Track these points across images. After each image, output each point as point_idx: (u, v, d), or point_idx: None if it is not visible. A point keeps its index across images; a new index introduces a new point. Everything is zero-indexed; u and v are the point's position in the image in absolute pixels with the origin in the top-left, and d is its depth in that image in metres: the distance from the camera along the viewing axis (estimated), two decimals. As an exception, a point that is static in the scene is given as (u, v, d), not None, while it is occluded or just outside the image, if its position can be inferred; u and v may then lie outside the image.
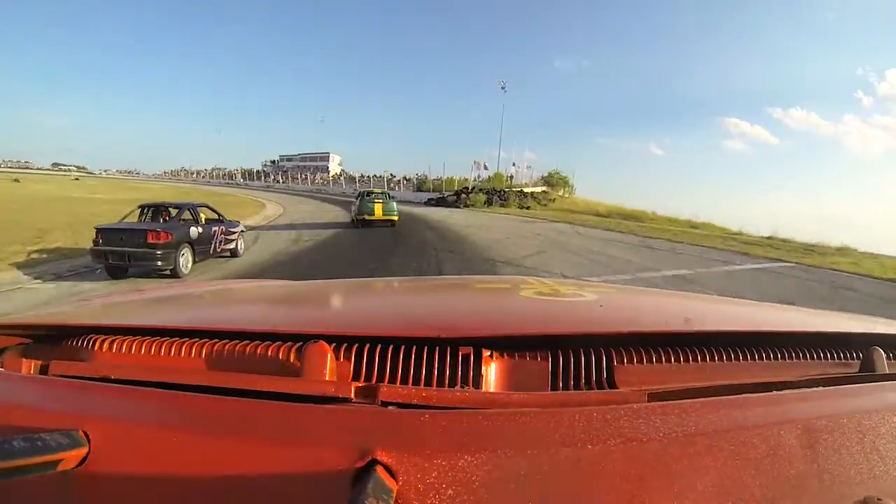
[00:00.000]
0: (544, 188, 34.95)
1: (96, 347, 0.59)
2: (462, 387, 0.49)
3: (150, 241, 6.36)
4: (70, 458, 0.37)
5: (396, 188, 41.91)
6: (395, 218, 14.95)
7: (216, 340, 0.55)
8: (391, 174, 48.01)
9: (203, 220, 7.86)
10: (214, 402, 0.43)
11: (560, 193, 35.20)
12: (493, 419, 0.40)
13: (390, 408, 0.43)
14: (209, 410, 0.42)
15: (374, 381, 0.49)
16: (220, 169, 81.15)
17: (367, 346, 0.51)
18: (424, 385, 0.49)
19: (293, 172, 64.47)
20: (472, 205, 28.34)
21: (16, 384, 0.51)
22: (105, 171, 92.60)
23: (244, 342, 0.54)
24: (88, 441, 0.39)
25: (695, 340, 0.57)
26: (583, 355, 0.52)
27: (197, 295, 1.05)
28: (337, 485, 0.34)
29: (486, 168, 36.57)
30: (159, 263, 6.44)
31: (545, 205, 30.47)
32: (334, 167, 72.07)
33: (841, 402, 0.47)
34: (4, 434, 0.35)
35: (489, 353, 0.51)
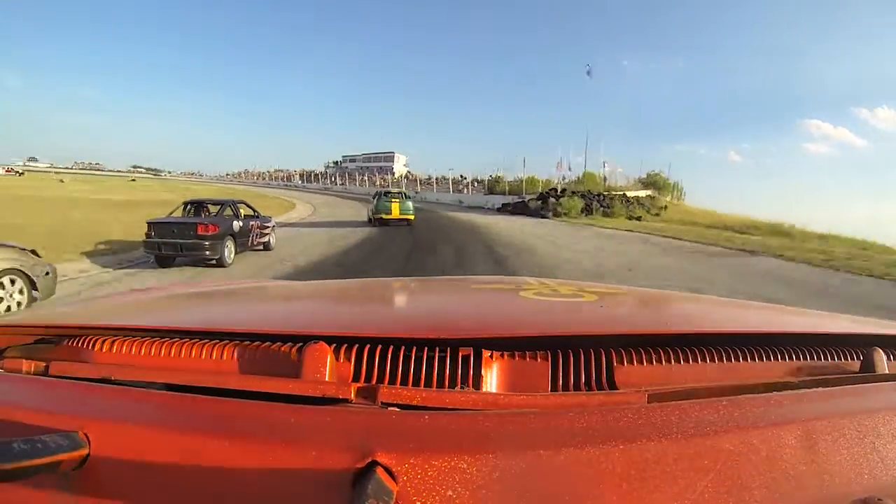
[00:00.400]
0: (649, 192, 27.63)
1: (96, 348, 0.59)
2: (462, 388, 0.48)
3: (199, 233, 7.15)
4: (70, 459, 0.37)
5: (465, 190, 37.91)
6: (412, 217, 15.27)
7: (216, 341, 0.55)
8: (460, 175, 42.91)
9: (242, 215, 8.48)
10: (215, 404, 0.43)
11: (668, 199, 28.25)
12: (494, 420, 0.40)
13: (390, 409, 0.43)
14: (209, 411, 0.42)
15: (374, 382, 0.49)
16: (281, 171, 79.97)
17: (368, 347, 0.51)
18: (424, 386, 0.49)
19: (356, 173, 60.54)
20: (566, 213, 21.48)
21: (16, 385, 0.51)
22: (170, 172, 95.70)
23: (244, 343, 0.54)
24: (89, 442, 0.39)
25: (695, 341, 0.57)
26: (583, 356, 0.52)
27: (197, 296, 1.03)
28: (337, 486, 0.34)
29: (570, 169, 29.75)
30: (207, 253, 7.24)
31: (656, 214, 23.75)
32: (399, 168, 67.46)
33: (841, 403, 0.47)
34: (4, 435, 0.36)
35: (489, 354, 0.51)
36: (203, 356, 0.54)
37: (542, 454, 0.36)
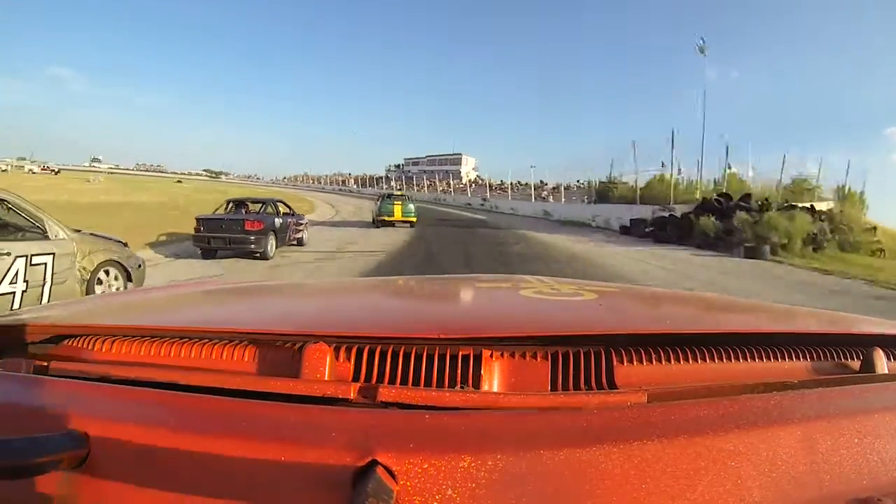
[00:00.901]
0: (830, 205, 15.66)
1: (96, 348, 0.59)
2: (462, 387, 0.48)
3: (246, 228, 7.83)
4: (70, 458, 0.38)
5: (550, 197, 30.22)
6: (414, 219, 15.61)
7: (216, 341, 0.55)
8: (540, 181, 34.08)
9: (280, 213, 9.35)
10: (215, 403, 0.43)
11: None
12: (494, 420, 0.40)
13: (390, 408, 0.43)
14: (209, 411, 0.42)
15: (374, 381, 0.49)
16: (340, 174, 76.85)
17: (368, 346, 0.51)
18: (424, 386, 0.49)
19: (419, 177, 55.20)
20: (783, 244, 11.05)
21: (16, 384, 0.51)
22: (227, 175, 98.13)
23: (244, 343, 0.54)
24: (88, 441, 0.39)
25: (695, 340, 0.57)
26: (583, 356, 0.52)
27: (197, 295, 1.03)
28: (337, 485, 0.34)
29: (679, 171, 18.17)
30: (252, 247, 7.86)
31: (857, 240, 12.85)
32: (467, 172, 61.48)
33: (841, 403, 0.47)
34: (5, 434, 0.36)
35: (489, 354, 0.51)
36: (203, 356, 0.54)
37: (542, 454, 0.36)
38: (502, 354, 0.51)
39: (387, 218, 15.20)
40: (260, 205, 9.22)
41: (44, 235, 3.80)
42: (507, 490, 0.35)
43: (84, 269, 4.04)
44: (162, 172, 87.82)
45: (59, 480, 0.39)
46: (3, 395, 0.48)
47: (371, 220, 16.19)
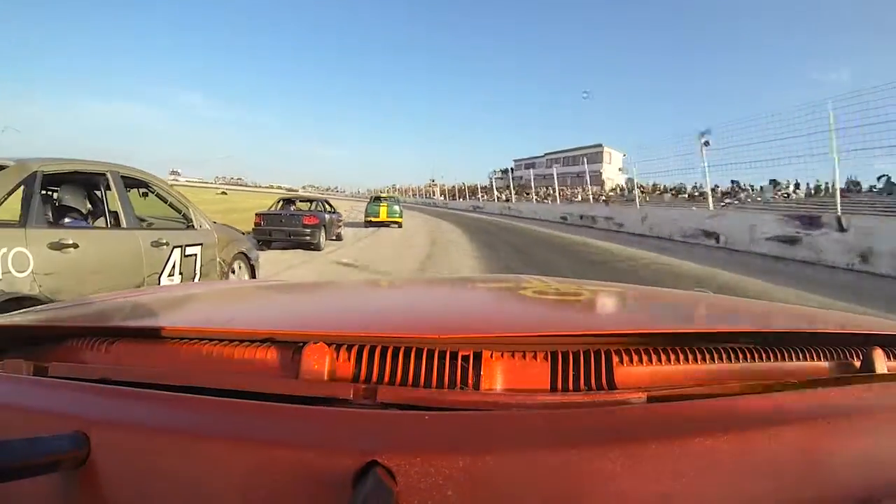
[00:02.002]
0: None
1: (96, 349, 0.59)
2: (462, 388, 0.48)
3: (305, 222, 9.22)
4: (70, 459, 0.38)
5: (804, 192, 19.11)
6: (400, 220, 17.04)
7: (215, 342, 0.55)
8: (732, 183, 22.80)
9: (327, 210, 10.92)
10: (214, 404, 0.43)
11: None
12: (493, 420, 0.40)
13: (390, 409, 0.43)
14: (209, 412, 0.42)
15: (373, 382, 0.49)
16: (436, 184, 69.18)
17: (367, 346, 0.51)
18: (424, 386, 0.49)
19: (540, 182, 36.76)
20: None
21: (15, 385, 0.51)
22: (304, 186, 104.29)
23: (243, 343, 0.54)
24: (88, 442, 0.39)
25: (695, 340, 0.57)
26: (582, 356, 0.52)
27: (196, 296, 1.03)
28: (337, 486, 0.34)
29: None
30: (308, 238, 9.18)
31: None
32: (610, 174, 41.44)
33: (841, 403, 0.47)
34: (4, 435, 0.35)
35: (489, 354, 0.51)
36: (202, 356, 0.54)
37: (542, 454, 0.36)
38: (502, 354, 0.51)
39: (373, 219, 17.01)
40: (309, 203, 10.95)
41: (190, 225, 3.68)
42: (508, 490, 0.35)
43: (224, 261, 3.94)
44: (242, 186, 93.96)
45: (59, 481, 0.39)
46: (3, 396, 0.48)
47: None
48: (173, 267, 3.33)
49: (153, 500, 0.38)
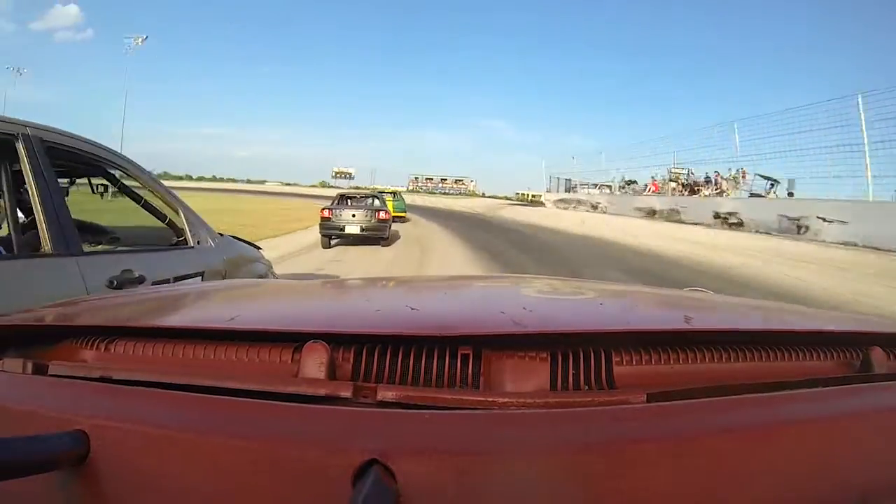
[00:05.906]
0: None
1: (96, 347, 0.59)
2: (461, 386, 0.48)
3: (378, 218, 10.20)
4: (69, 458, 0.38)
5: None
6: (404, 214, 18.98)
7: (215, 340, 0.55)
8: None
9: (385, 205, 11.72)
10: (213, 403, 0.43)
11: None
12: (493, 419, 0.40)
13: (390, 408, 0.43)
14: (208, 411, 0.42)
15: (373, 381, 0.49)
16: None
17: (367, 345, 0.51)
18: (424, 385, 0.48)
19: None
20: None
21: (15, 384, 0.51)
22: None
23: (243, 342, 0.54)
24: (88, 441, 0.39)
25: (695, 340, 0.56)
26: (582, 355, 0.52)
27: (196, 295, 1.03)
28: (336, 486, 0.34)
29: None
30: (378, 233, 10.21)
31: None
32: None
33: (840, 402, 0.47)
34: (4, 434, 0.36)
35: (489, 353, 0.51)
36: (202, 355, 0.54)
37: (542, 454, 0.36)
38: (502, 353, 0.51)
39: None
40: (368, 199, 11.70)
41: (181, 241, 2.30)
42: (507, 490, 0.35)
43: None
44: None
45: (58, 480, 0.39)
46: (2, 395, 0.48)
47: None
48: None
49: (153, 499, 0.38)
